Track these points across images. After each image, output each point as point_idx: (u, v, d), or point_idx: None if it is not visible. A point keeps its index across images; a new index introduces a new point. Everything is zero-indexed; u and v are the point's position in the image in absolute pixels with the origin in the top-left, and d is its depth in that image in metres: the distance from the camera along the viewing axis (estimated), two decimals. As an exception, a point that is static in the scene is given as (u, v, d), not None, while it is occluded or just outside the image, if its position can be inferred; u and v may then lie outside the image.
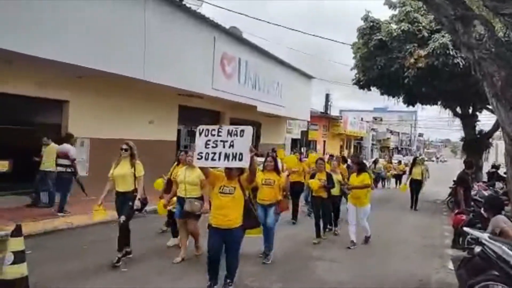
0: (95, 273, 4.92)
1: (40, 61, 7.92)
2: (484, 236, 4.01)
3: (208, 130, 4.33)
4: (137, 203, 5.35)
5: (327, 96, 33.18)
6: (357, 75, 15.27)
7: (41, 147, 8.60)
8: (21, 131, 9.05)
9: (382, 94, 15.88)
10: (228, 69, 13.71)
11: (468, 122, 16.17)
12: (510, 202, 6.85)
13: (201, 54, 12.16)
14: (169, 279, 4.96)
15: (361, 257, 6.53)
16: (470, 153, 15.02)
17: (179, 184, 5.68)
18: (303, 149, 23.06)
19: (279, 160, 7.50)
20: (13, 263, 4.08)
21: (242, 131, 4.24)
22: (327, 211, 7.51)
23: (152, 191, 6.50)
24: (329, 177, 7.20)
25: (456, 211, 7.60)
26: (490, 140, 16.55)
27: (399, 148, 62.37)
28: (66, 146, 8.39)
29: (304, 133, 26.19)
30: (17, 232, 4.22)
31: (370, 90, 15.75)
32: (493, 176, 14.94)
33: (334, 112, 35.08)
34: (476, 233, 4.16)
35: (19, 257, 4.13)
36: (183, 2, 11.49)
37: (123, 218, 5.27)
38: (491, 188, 11.90)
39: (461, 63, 11.39)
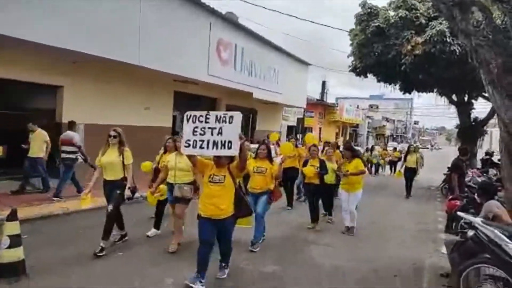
0: (90, 258, 4.93)
1: (33, 46, 7.80)
2: (477, 220, 4.06)
3: (195, 116, 4.13)
4: (127, 192, 5.21)
5: (324, 83, 33.11)
6: (353, 62, 15.20)
7: (28, 134, 8.35)
8: (15, 116, 8.98)
9: (378, 81, 15.84)
10: (224, 55, 13.60)
11: (464, 109, 16.22)
12: (504, 188, 6.92)
13: (197, 40, 12.03)
14: (164, 263, 4.99)
15: (355, 242, 6.61)
16: (465, 140, 15.11)
17: (169, 170, 5.55)
18: (298, 136, 23.09)
19: (272, 148, 7.48)
20: (9, 247, 4.11)
21: (231, 117, 4.04)
22: (320, 196, 7.50)
23: (142, 177, 6.45)
24: (322, 163, 7.20)
25: (450, 197, 7.68)
26: (485, 127, 16.65)
27: (394, 136, 62.62)
28: (70, 133, 8.40)
29: (300, 120, 26.20)
30: (12, 216, 4.24)
31: (366, 77, 15.72)
32: (487, 163, 15.10)
33: (330, 100, 35.11)
34: (469, 217, 4.22)
35: (15, 241, 4.16)
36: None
37: (110, 207, 5.15)
38: (484, 174, 12.03)
39: (458, 51, 11.38)
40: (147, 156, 6.84)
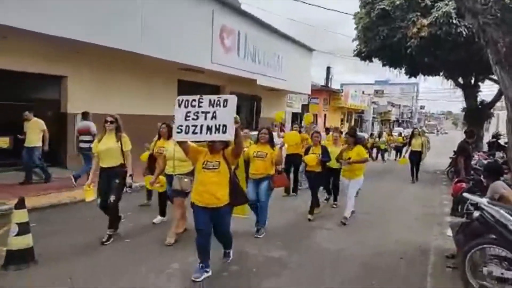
0: (97, 246, 4.99)
1: (36, 36, 7.80)
2: (483, 201, 4.04)
3: (188, 100, 3.93)
4: (128, 180, 5.10)
5: (328, 69, 32.76)
6: (358, 46, 15.01)
7: (23, 123, 8.24)
8: (21, 107, 9.01)
9: (384, 65, 15.63)
10: (227, 42, 13.49)
11: (470, 92, 16.03)
12: (510, 170, 6.85)
13: (199, 27, 11.94)
14: (170, 249, 5.04)
15: (360, 227, 6.61)
16: (472, 123, 14.97)
17: (167, 161, 5.37)
18: (303, 123, 22.95)
19: (275, 134, 7.41)
20: (18, 234, 4.17)
21: (226, 100, 3.84)
22: (322, 182, 7.42)
23: (139, 164, 6.48)
24: (324, 150, 7.12)
25: (456, 179, 7.63)
26: (492, 110, 16.46)
27: (400, 121, 62.19)
28: (86, 123, 8.55)
29: (305, 107, 26.05)
30: (20, 205, 4.29)
31: (371, 61, 15.52)
32: (493, 145, 14.94)
33: (335, 86, 34.79)
34: (475, 198, 4.18)
35: (23, 228, 4.22)
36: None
37: (112, 197, 5.00)
38: (491, 157, 11.92)
39: (464, 32, 11.18)
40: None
